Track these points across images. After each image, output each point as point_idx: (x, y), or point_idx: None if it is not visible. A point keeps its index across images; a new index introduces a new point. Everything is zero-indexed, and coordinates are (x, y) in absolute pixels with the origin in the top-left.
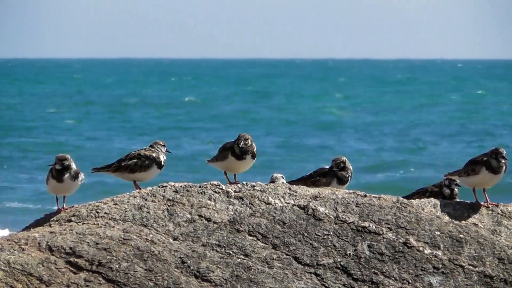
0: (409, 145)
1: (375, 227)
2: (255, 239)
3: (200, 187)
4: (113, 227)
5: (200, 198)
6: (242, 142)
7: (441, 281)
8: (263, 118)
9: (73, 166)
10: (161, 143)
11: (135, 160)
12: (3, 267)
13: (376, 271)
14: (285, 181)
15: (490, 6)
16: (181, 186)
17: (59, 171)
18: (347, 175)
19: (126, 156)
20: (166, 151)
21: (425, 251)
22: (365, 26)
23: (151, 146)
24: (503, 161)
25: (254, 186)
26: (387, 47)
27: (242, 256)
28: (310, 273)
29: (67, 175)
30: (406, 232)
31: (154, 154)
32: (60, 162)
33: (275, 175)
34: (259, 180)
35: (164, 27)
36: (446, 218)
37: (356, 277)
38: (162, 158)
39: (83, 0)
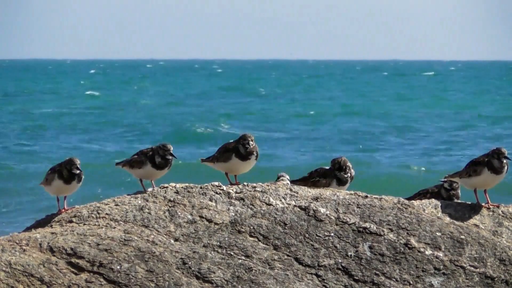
0: None
1: (376, 228)
2: (256, 240)
3: (201, 188)
4: (114, 228)
5: (201, 199)
6: (248, 143)
7: (442, 282)
8: None
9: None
10: (162, 145)
11: (136, 156)
12: (4, 268)
13: (377, 272)
14: (289, 181)
15: None
16: (182, 187)
17: (72, 174)
18: (347, 176)
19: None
20: (170, 154)
21: (426, 252)
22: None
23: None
24: (505, 161)
25: (255, 187)
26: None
27: (243, 257)
28: (311, 274)
29: (76, 178)
30: (407, 233)
31: (151, 153)
32: (78, 167)
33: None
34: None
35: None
36: (447, 219)
37: (357, 278)
38: (158, 159)
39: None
